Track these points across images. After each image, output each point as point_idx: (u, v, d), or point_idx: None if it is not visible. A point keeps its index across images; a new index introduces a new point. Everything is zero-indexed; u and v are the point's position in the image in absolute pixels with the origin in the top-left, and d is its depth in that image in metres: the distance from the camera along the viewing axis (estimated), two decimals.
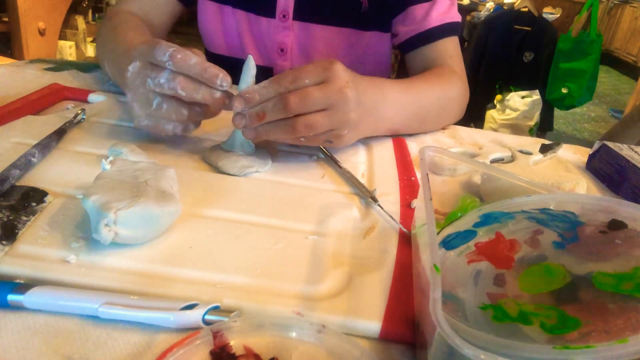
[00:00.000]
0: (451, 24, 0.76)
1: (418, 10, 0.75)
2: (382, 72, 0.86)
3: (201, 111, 0.52)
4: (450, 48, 0.76)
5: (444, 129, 0.73)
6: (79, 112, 0.59)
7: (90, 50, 3.28)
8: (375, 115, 0.59)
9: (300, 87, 0.48)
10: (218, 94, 0.50)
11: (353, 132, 0.54)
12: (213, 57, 0.85)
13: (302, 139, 0.51)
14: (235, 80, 0.51)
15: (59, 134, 0.53)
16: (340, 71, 0.50)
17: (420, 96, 0.67)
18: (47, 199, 0.43)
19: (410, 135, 0.69)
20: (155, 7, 0.78)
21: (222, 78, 0.49)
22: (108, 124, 0.60)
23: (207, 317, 0.32)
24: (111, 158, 0.43)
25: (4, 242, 0.37)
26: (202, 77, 0.49)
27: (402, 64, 0.87)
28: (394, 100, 0.61)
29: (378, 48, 0.82)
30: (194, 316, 0.32)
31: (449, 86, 0.71)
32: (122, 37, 0.65)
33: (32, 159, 0.48)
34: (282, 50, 0.80)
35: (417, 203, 0.50)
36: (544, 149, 0.67)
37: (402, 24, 0.77)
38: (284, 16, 0.77)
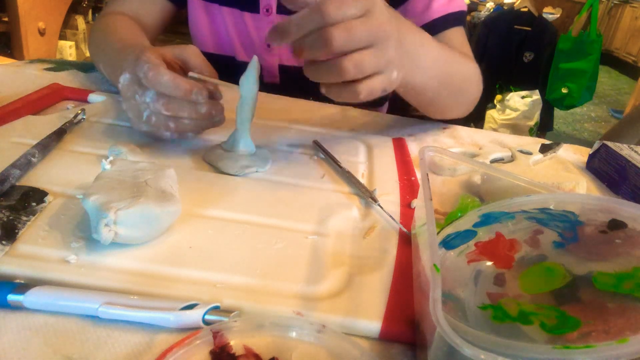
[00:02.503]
0: (455, 14, 0.72)
1: (418, 2, 0.72)
2: None
3: (190, 123, 0.52)
4: (457, 38, 0.73)
5: (444, 129, 0.73)
6: (79, 112, 0.59)
7: None
8: (413, 61, 0.53)
9: (343, 19, 0.41)
10: (204, 109, 0.50)
11: (398, 72, 0.47)
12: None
13: (362, 96, 0.44)
14: (233, 79, 0.52)
15: (59, 134, 0.53)
16: (381, 4, 0.44)
17: (452, 58, 0.62)
18: (47, 199, 0.43)
19: (411, 135, 0.69)
20: (146, 7, 0.78)
21: (196, 92, 0.49)
22: (108, 124, 0.60)
23: (207, 317, 0.32)
24: (111, 158, 0.43)
25: (4, 242, 0.37)
26: (176, 95, 0.48)
27: None
28: (430, 49, 0.57)
29: None
30: (194, 316, 0.32)
31: (468, 63, 0.68)
32: (115, 37, 0.65)
33: (32, 159, 0.48)
34: (269, 45, 0.79)
35: (417, 203, 0.50)
36: (544, 149, 0.67)
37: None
38: (267, 10, 0.76)
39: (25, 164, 0.46)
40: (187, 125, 0.52)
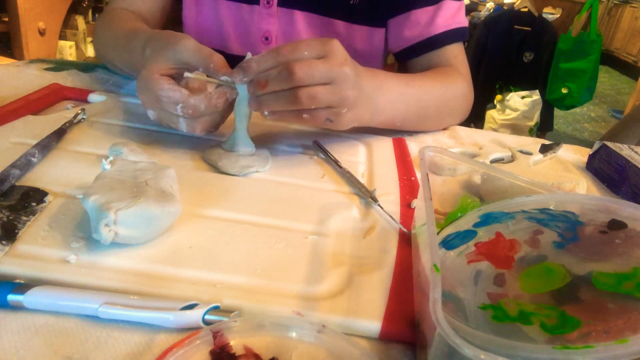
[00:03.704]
0: (457, 30, 0.74)
1: (421, 14, 0.73)
2: None
3: (221, 120, 0.55)
4: (454, 53, 0.75)
5: (444, 129, 0.73)
6: (79, 112, 0.59)
7: (90, 50, 3.27)
8: (372, 104, 0.58)
9: (301, 59, 0.48)
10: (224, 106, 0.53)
11: (351, 113, 0.53)
12: None
13: (305, 115, 0.50)
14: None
15: (59, 134, 0.53)
16: (340, 48, 0.50)
17: (421, 91, 0.66)
18: (47, 199, 0.43)
19: (410, 135, 0.69)
20: (146, 3, 0.78)
21: (230, 96, 0.51)
22: (108, 124, 0.60)
23: (207, 317, 0.32)
24: (111, 158, 0.43)
25: (4, 242, 0.37)
26: (218, 111, 0.52)
27: (402, 65, 0.85)
28: (390, 91, 0.61)
29: (369, 44, 0.79)
30: (194, 316, 0.32)
31: (452, 84, 0.70)
32: (124, 25, 0.66)
33: (32, 159, 0.48)
34: (266, 38, 0.79)
35: (417, 203, 0.50)
36: (544, 149, 0.67)
37: (405, 29, 0.75)
38: (268, 2, 0.76)
39: (25, 164, 0.46)
40: (218, 123, 0.55)
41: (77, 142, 0.54)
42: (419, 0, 0.72)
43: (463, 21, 0.75)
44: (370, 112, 0.58)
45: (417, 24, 0.73)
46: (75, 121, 0.57)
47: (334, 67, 0.48)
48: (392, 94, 0.61)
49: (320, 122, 0.53)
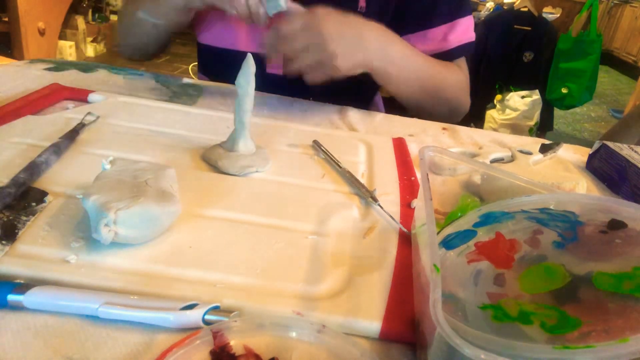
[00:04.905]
0: (466, 46, 0.79)
1: (437, 31, 0.77)
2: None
3: None
4: (462, 63, 0.81)
5: (444, 129, 0.73)
6: (89, 113, 0.59)
7: (90, 50, 3.28)
8: (381, 52, 0.65)
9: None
10: None
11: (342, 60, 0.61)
12: (206, 49, 0.85)
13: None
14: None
15: (72, 136, 0.53)
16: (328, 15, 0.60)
17: (426, 62, 0.72)
18: (47, 199, 0.43)
19: (411, 135, 0.69)
20: None
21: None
22: (108, 124, 0.60)
23: (207, 317, 0.32)
24: (111, 158, 0.43)
25: (4, 242, 0.37)
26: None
27: None
28: (401, 46, 0.66)
29: None
30: (194, 316, 0.32)
31: (453, 73, 0.76)
32: None
33: (43, 164, 0.47)
34: None
35: (417, 203, 0.50)
36: (544, 149, 0.67)
37: (419, 44, 0.78)
38: None
39: (35, 168, 0.46)
40: None
41: (77, 142, 0.54)
42: (434, 21, 0.77)
43: (471, 36, 0.80)
44: (384, 58, 0.66)
45: (433, 40, 0.78)
46: (86, 123, 0.57)
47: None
48: (404, 50, 0.68)
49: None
